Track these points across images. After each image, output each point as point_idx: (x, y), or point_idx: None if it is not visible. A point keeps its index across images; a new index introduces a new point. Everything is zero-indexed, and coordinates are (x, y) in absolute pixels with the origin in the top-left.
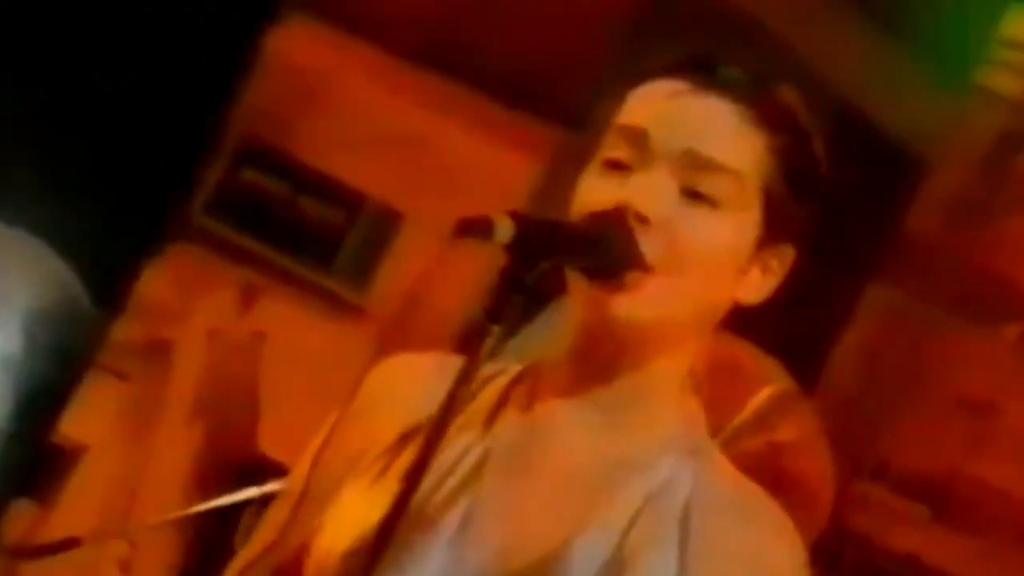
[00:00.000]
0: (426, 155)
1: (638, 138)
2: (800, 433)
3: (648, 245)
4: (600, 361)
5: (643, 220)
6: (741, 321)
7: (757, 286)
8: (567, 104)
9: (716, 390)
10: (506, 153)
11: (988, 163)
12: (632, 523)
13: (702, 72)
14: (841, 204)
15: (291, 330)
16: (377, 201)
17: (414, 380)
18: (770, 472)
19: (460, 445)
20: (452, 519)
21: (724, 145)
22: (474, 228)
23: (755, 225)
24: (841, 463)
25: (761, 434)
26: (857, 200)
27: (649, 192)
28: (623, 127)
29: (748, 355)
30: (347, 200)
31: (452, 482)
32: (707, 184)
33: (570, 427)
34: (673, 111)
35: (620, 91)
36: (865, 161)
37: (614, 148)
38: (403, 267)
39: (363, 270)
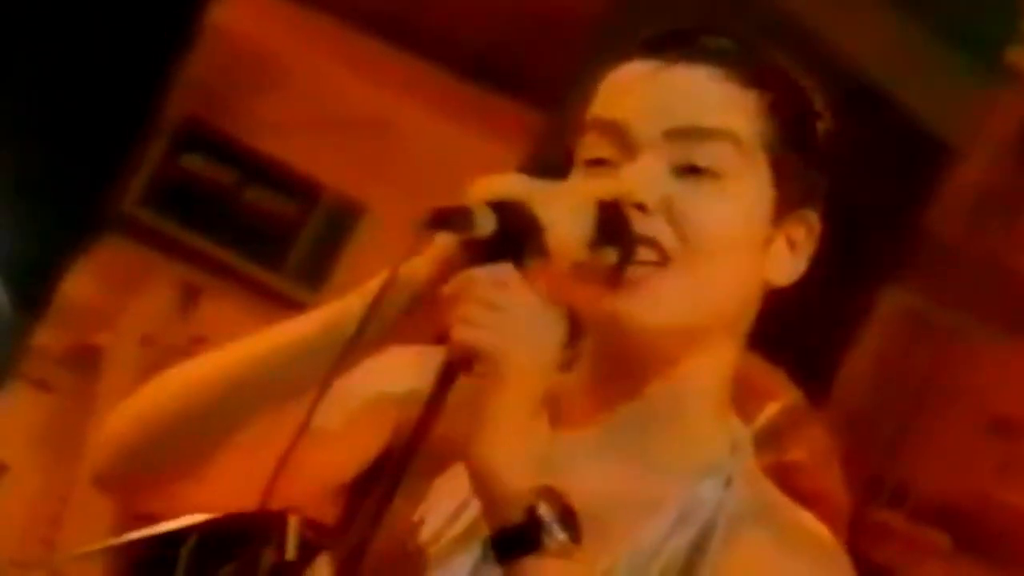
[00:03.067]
0: (390, 141)
1: (616, 132)
2: (810, 452)
3: (655, 234)
4: (621, 378)
5: (642, 208)
6: None
7: (786, 263)
8: (546, 85)
9: None
10: (479, 139)
11: (1020, 151)
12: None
13: (680, 44)
14: (855, 196)
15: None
16: (335, 191)
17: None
18: None
19: (465, 486)
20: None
21: (711, 110)
22: (451, 220)
23: (766, 191)
24: (855, 488)
25: (768, 454)
26: (873, 191)
27: (640, 178)
28: (598, 121)
29: (752, 366)
30: (301, 190)
31: (455, 530)
32: (702, 154)
33: (589, 460)
34: (650, 91)
35: (593, 80)
36: (883, 149)
37: (594, 147)
38: (363, 266)
39: (318, 269)
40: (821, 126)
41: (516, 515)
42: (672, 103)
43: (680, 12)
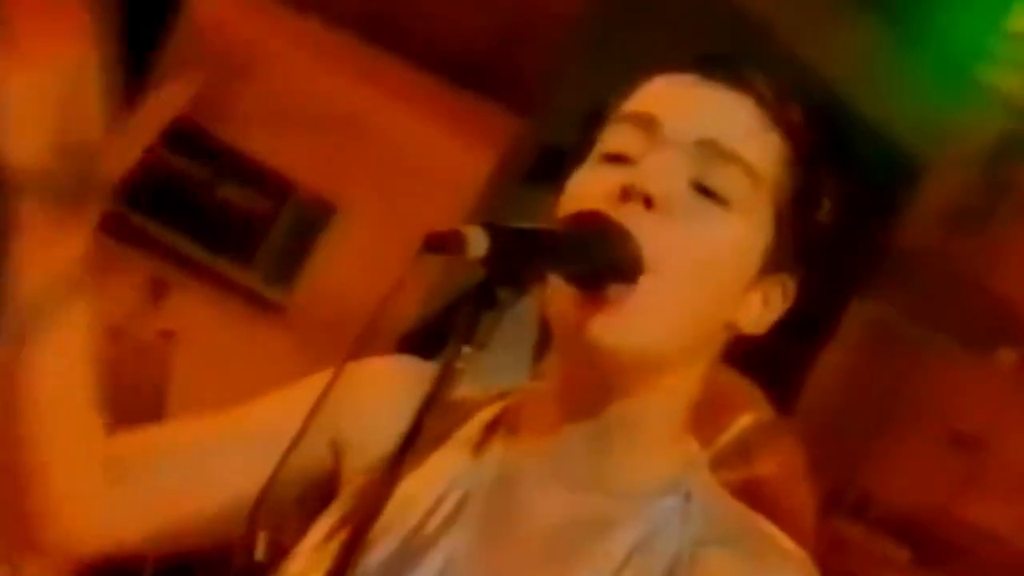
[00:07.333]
0: (363, 139)
1: (647, 124)
2: (780, 467)
3: (649, 234)
4: (586, 392)
5: (648, 201)
6: None
7: (756, 315)
8: (521, 87)
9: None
10: (453, 139)
11: (989, 167)
12: None
13: (726, 69)
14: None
15: (205, 330)
16: (306, 189)
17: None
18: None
19: (447, 475)
20: (432, 564)
21: (742, 138)
22: (444, 245)
23: (763, 239)
24: (816, 498)
25: (739, 467)
26: (843, 205)
27: (658, 170)
28: (630, 114)
29: (725, 379)
30: (273, 187)
31: (436, 520)
32: (720, 178)
33: (550, 477)
34: (689, 99)
35: (624, 85)
36: (853, 162)
37: (616, 140)
38: (333, 264)
39: (288, 266)
40: (821, 215)
41: None
42: (708, 115)
43: (658, 20)
